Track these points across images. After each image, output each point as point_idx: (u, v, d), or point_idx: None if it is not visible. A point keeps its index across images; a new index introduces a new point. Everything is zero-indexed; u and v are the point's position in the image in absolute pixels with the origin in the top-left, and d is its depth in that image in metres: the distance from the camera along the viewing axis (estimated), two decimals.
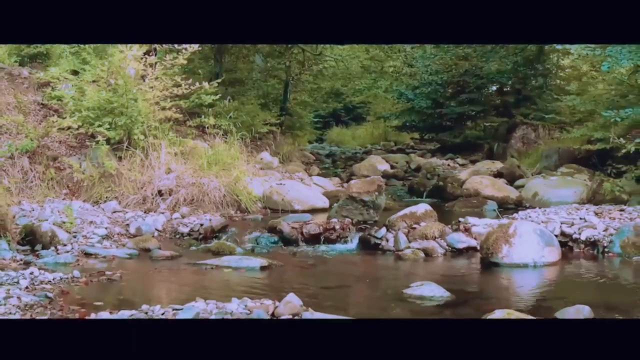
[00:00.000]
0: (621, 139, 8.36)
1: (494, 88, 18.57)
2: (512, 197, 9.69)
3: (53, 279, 5.13)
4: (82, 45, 13.01)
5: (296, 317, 3.98)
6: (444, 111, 18.37)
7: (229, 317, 3.92)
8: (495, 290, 5.34)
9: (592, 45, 9.15)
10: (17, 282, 4.93)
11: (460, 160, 16.26)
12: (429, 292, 4.81)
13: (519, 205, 9.42)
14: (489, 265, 6.05)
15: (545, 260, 6.06)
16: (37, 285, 4.96)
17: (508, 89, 18.05)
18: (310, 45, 15.96)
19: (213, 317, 3.90)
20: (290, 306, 4.07)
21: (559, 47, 9.57)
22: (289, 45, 15.57)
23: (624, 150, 8.27)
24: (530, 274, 5.88)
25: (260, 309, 4.06)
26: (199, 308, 3.98)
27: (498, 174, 11.78)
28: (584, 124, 11.90)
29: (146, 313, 3.98)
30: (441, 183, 11.01)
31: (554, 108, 14.91)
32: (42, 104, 10.14)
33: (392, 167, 14.89)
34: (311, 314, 4.03)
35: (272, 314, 4.04)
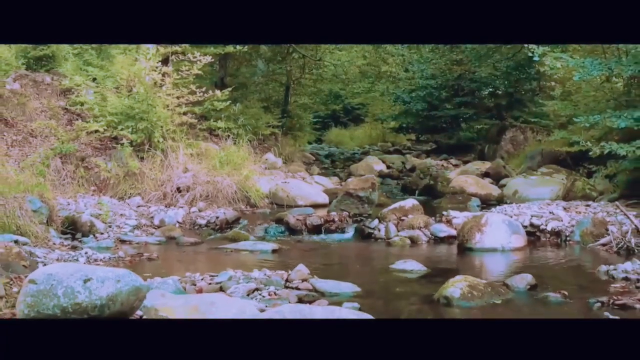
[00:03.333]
0: (588, 142, 9.73)
1: (488, 91, 20.01)
2: (494, 194, 11.12)
3: (104, 258, 6.51)
4: (84, 47, 14.32)
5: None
6: (438, 113, 19.80)
7: (253, 282, 5.29)
8: (465, 267, 6.71)
9: (566, 56, 10.52)
10: (77, 260, 6.31)
11: (453, 161, 17.68)
12: (410, 266, 6.23)
13: (500, 202, 10.80)
14: (464, 250, 7.45)
15: (512, 245, 7.46)
16: (92, 262, 6.33)
17: (500, 92, 19.49)
18: (310, 51, 17.36)
19: (241, 282, 5.28)
20: (299, 274, 5.48)
21: (536, 58, 10.87)
22: (290, 51, 16.99)
23: (590, 153, 9.65)
24: (498, 256, 7.27)
25: (277, 276, 5.46)
26: (231, 274, 5.37)
27: (485, 174, 13.21)
28: (567, 128, 13.28)
29: (190, 278, 5.38)
30: (432, 182, 12.42)
31: (544, 111, 16.29)
32: (65, 108, 11.50)
33: (388, 167, 16.30)
34: (316, 280, 5.42)
35: (286, 280, 5.43)
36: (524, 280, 5.51)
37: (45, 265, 5.63)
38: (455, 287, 5.05)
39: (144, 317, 3.81)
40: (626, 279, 5.83)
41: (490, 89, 19.79)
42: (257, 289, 5.05)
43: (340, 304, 4.82)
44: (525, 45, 12.80)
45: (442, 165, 16.97)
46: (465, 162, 16.79)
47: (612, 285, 5.63)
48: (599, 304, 4.99)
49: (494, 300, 5.08)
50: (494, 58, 18.23)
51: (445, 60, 19.10)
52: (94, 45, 14.76)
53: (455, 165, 16.81)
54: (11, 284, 4.90)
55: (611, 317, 4.59)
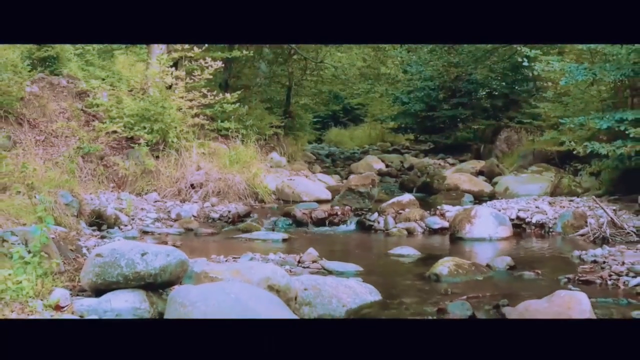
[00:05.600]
0: (573, 142, 10.78)
1: (485, 92, 21.09)
2: (486, 191, 12.17)
3: None
4: (86, 47, 15.24)
5: (315, 268, 6.37)
6: (436, 114, 20.89)
7: (271, 262, 6.31)
8: (455, 253, 7.70)
9: (553, 62, 11.56)
10: None
11: (450, 160, 18.75)
12: (405, 252, 7.28)
13: (492, 198, 11.84)
14: (456, 239, 8.49)
15: (499, 235, 8.50)
16: None
17: (497, 93, 20.57)
18: (311, 52, 18.41)
19: (259, 260, 6.31)
20: (310, 256, 6.52)
21: (525, 63, 11.95)
22: (291, 53, 18.04)
23: (575, 152, 10.69)
24: (486, 245, 8.30)
25: (290, 257, 6.50)
26: (251, 256, 6.41)
27: (480, 172, 14.27)
28: (558, 128, 14.35)
29: (216, 260, 6.40)
30: (428, 180, 13.46)
31: (538, 112, 17.34)
32: (82, 110, 12.50)
33: (387, 166, 17.36)
34: (324, 261, 6.46)
35: (299, 261, 6.47)
36: (503, 262, 6.56)
37: (88, 249, 6.66)
38: (444, 265, 6.10)
39: (194, 282, 4.83)
40: (594, 261, 6.87)
41: (487, 90, 20.86)
42: None
43: None
44: (518, 49, 13.94)
45: (439, 164, 18.02)
46: (462, 161, 17.82)
47: (581, 266, 6.67)
48: (565, 280, 6.03)
49: (477, 277, 6.12)
50: (491, 60, 19.31)
51: (442, 62, 20.17)
52: (95, 46, 15.77)
53: (452, 164, 17.84)
54: (65, 263, 5.91)
55: (573, 288, 5.62)
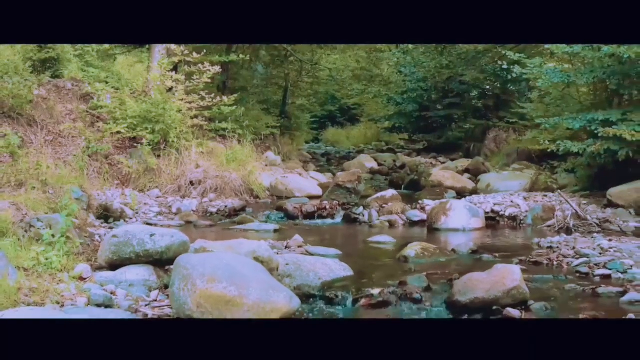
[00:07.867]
0: (547, 141, 11.84)
1: (477, 93, 22.16)
2: (468, 187, 13.25)
3: None
4: (85, 48, 16.25)
5: (300, 250, 7.43)
6: (429, 114, 22.00)
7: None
8: (430, 242, 8.79)
9: (532, 64, 12.62)
10: None
11: (442, 159, 19.83)
12: (382, 239, 8.36)
13: (474, 193, 12.90)
14: (433, 230, 9.56)
15: (472, 226, 9.56)
16: None
17: (489, 94, 21.64)
18: (307, 54, 19.51)
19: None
20: (296, 242, 7.60)
21: (505, 66, 13.04)
22: (288, 55, 19.15)
23: (549, 150, 11.75)
24: (460, 235, 9.35)
25: (278, 243, 7.57)
26: (245, 241, 7.48)
27: (466, 170, 15.35)
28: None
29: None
30: (416, 177, 14.54)
31: (525, 112, 18.38)
32: (87, 111, 13.59)
33: (379, 164, 18.43)
34: (308, 246, 7.53)
35: (286, 246, 7.54)
36: (467, 246, 7.63)
37: (100, 237, 7.75)
38: (412, 249, 7.18)
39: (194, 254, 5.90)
40: (550, 247, 7.94)
41: (479, 91, 21.92)
42: None
43: None
44: (503, 52, 14.97)
45: (431, 163, 19.08)
46: (453, 160, 18.88)
47: (537, 251, 7.74)
48: (517, 261, 7.10)
49: (440, 259, 7.20)
50: (483, 60, 20.34)
51: (435, 63, 21.23)
52: (94, 47, 16.80)
53: (443, 163, 18.91)
54: (82, 247, 6.99)
55: (522, 267, 6.66)
